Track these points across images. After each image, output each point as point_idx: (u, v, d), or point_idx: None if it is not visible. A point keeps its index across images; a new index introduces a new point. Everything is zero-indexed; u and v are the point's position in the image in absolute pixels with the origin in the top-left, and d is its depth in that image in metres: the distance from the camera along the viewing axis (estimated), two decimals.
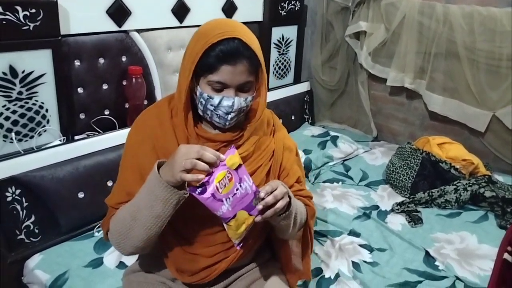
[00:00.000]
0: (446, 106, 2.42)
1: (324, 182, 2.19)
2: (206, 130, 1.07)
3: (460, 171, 2.04)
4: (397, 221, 1.86)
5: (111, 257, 1.53)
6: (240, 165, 0.93)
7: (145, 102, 1.98)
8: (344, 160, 2.45)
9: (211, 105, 1.00)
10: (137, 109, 1.88)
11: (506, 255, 1.51)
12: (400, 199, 2.03)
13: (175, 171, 0.89)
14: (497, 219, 1.84)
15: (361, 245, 1.67)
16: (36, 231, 1.59)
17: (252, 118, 1.09)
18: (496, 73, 2.21)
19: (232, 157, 0.92)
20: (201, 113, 1.05)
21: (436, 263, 1.58)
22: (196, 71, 0.98)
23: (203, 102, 1.00)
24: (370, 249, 1.66)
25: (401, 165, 2.12)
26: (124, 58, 1.92)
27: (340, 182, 2.20)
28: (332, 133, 2.63)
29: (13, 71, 1.57)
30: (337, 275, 1.50)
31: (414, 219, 1.84)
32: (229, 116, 1.01)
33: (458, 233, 1.76)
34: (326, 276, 1.50)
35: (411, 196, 2.01)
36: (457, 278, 1.49)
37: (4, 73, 1.55)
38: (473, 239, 1.72)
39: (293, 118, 2.78)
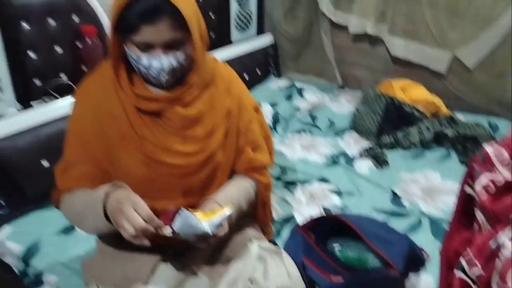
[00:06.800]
0: (408, 49, 2.43)
1: (292, 133, 2.21)
2: (147, 90, 1.03)
3: (423, 112, 2.09)
4: (364, 166, 1.90)
5: None
6: None
7: None
8: (311, 110, 2.47)
9: (143, 66, 0.96)
10: None
11: (467, 188, 1.58)
12: (366, 144, 2.07)
13: (118, 227, 0.91)
14: (459, 156, 1.91)
15: (331, 191, 1.72)
16: (3, 203, 1.55)
17: (202, 74, 1.05)
18: (455, 13, 2.22)
19: None
20: (139, 73, 1.01)
21: (403, 201, 1.64)
22: (121, 30, 0.93)
23: (134, 63, 0.97)
24: (340, 194, 1.70)
25: (367, 111, 2.15)
26: (76, 18, 1.82)
27: (308, 132, 2.22)
28: (298, 84, 2.63)
29: None
30: None
31: (381, 162, 1.89)
32: (163, 77, 0.97)
33: (423, 172, 1.82)
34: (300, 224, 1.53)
35: (377, 140, 2.05)
36: (423, 213, 1.56)
37: None
38: (437, 176, 1.79)
39: (258, 71, 2.75)
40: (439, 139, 2.01)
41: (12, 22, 1.62)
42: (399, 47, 2.46)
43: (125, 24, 0.91)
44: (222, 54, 2.39)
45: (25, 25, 1.67)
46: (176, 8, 0.90)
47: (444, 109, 2.18)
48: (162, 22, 0.90)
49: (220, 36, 2.52)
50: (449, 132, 1.97)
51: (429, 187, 1.72)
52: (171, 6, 0.90)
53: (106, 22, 1.90)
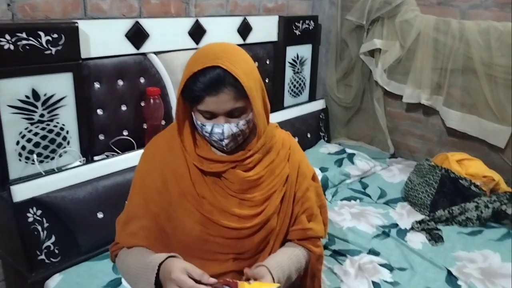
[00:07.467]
0: (464, 122, 2.39)
1: (341, 200, 2.17)
2: (211, 152, 1.07)
3: (481, 187, 2.01)
4: (417, 240, 1.82)
5: None
6: None
7: (163, 122, 2.01)
8: (361, 178, 2.43)
9: (206, 132, 1.01)
10: (154, 129, 1.91)
11: None
12: (419, 217, 2.00)
13: None
14: None
15: (381, 265, 1.65)
16: (56, 251, 1.60)
17: (263, 139, 1.09)
18: None
19: None
20: (203, 136, 1.06)
21: (459, 282, 1.54)
22: (187, 99, 1.00)
23: (199, 129, 1.03)
24: (391, 269, 1.63)
25: (420, 182, 2.10)
26: (142, 80, 1.96)
27: (358, 200, 2.18)
28: (349, 151, 2.61)
29: (35, 94, 1.61)
30: None
31: (435, 238, 1.81)
32: (224, 142, 1.01)
33: (481, 252, 1.72)
34: None
35: (431, 214, 1.98)
36: None
37: (27, 96, 1.59)
38: (496, 258, 1.68)
39: (309, 135, 2.77)
40: (498, 217, 1.91)
41: (86, 82, 1.76)
42: (455, 119, 2.42)
43: (191, 94, 0.97)
44: (274, 116, 2.44)
45: (97, 85, 1.81)
46: (237, 79, 0.96)
47: (504, 186, 2.08)
48: (224, 94, 0.96)
49: (273, 101, 2.60)
50: (510, 210, 1.87)
51: (488, 269, 1.61)
52: (233, 78, 0.95)
53: (169, 83, 2.03)
